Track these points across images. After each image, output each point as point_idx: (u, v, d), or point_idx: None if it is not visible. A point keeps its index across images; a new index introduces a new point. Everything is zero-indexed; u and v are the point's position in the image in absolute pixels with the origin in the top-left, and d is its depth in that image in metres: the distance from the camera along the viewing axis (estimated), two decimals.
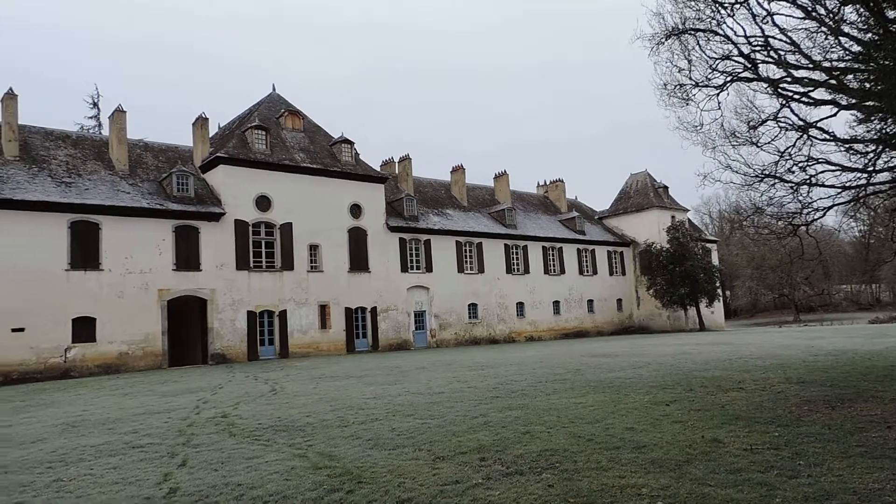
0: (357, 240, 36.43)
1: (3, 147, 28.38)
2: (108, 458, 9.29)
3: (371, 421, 11.09)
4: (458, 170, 46.45)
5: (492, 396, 13.37)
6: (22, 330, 25.46)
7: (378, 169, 41.68)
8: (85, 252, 27.38)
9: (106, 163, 31.06)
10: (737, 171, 14.46)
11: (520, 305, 44.58)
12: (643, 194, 54.54)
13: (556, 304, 46.96)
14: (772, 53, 13.04)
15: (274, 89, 39.58)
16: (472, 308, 41.76)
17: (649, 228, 52.37)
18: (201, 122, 34.25)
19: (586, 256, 49.91)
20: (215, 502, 6.74)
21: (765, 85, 13.57)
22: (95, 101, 54.93)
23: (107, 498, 7.12)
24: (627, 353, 24.23)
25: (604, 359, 21.60)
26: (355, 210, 36.67)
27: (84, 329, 26.90)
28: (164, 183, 31.22)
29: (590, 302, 49.42)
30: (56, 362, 26.08)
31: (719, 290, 52.58)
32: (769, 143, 14.12)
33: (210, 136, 35.53)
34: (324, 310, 34.35)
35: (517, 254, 45.08)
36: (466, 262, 41.97)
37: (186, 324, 31.32)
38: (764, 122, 14.02)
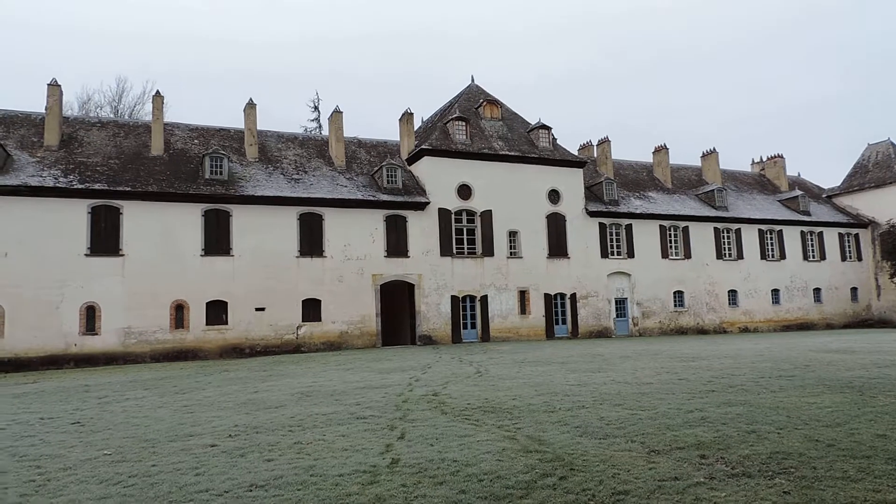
0: (556, 225, 36.22)
1: (246, 150, 32.61)
2: (336, 426, 10.22)
3: (577, 408, 10.94)
4: (660, 150, 44.01)
5: (707, 390, 12.47)
6: (263, 309, 29.20)
7: (576, 153, 41.00)
8: (311, 240, 30.56)
9: (326, 160, 34.28)
10: None
11: (732, 294, 41.19)
12: (885, 167, 47.22)
13: (776, 292, 42.63)
14: None
15: (472, 80, 40.62)
16: (678, 296, 39.46)
17: (893, 206, 45.24)
18: (407, 118, 36.33)
19: (812, 240, 44.58)
20: (434, 476, 7.08)
21: None
22: (316, 104, 60.79)
23: (338, 462, 7.82)
24: (867, 349, 21.20)
25: (838, 355, 19.12)
26: (553, 196, 36.45)
27: (311, 310, 30.12)
28: (376, 176, 33.65)
29: (816, 291, 44.13)
30: (290, 338, 29.52)
31: None
32: None
33: (415, 129, 37.54)
34: (523, 295, 34.72)
35: (729, 238, 41.65)
36: (671, 247, 39.72)
37: (396, 306, 33.56)
38: None
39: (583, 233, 36.95)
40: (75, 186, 27.16)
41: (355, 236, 31.41)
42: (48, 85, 29.42)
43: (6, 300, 25.49)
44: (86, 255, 26.90)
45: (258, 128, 33.70)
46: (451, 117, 35.93)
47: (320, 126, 58.34)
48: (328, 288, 30.57)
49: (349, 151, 35.38)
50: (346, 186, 32.60)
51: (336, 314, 30.53)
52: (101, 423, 11.33)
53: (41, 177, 27.12)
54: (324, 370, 19.44)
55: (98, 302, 26.76)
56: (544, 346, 27.66)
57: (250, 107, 33.13)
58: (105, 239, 27.30)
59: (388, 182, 33.10)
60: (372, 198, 32.11)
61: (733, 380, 13.84)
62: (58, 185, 26.97)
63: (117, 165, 29.13)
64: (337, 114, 34.97)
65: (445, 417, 10.58)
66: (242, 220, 29.49)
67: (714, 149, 45.66)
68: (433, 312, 32.60)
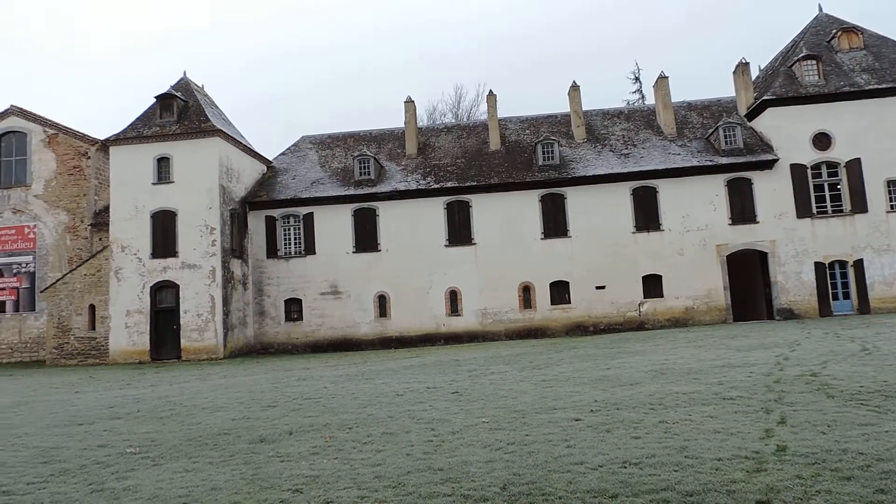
0: None
1: (574, 133, 33.19)
2: (701, 406, 9.64)
3: None
4: None
5: None
6: (603, 288, 29.44)
7: None
8: (646, 215, 29.74)
9: (655, 129, 32.89)
10: None
11: None
12: None
13: None
14: None
15: (820, 10, 34.66)
16: None
17: None
18: (742, 69, 32.70)
19: None
20: (836, 469, 6.12)
21: None
22: (637, 76, 58.82)
23: (713, 445, 7.32)
24: None
25: None
26: None
27: (652, 286, 29.34)
28: (711, 138, 31.12)
29: None
30: (632, 315, 29.20)
31: None
32: None
33: (752, 79, 33.60)
34: None
35: None
36: None
37: (745, 278, 30.60)
38: None
39: None
40: (433, 187, 31.03)
41: (693, 206, 29.54)
42: (405, 102, 34.16)
43: (390, 288, 30.42)
44: (445, 245, 30.54)
45: (583, 108, 33.96)
46: (796, 58, 31.19)
47: (643, 97, 56.33)
48: (668, 262, 29.36)
49: (679, 117, 33.34)
50: (678, 154, 30.84)
51: (679, 289, 29.16)
52: (475, 394, 12.61)
53: (406, 182, 31.64)
54: (673, 347, 18.69)
55: (458, 287, 30.16)
56: None
57: (574, 89, 33.59)
58: (459, 230, 30.63)
59: (725, 143, 30.29)
60: (709, 162, 29.78)
61: None
62: (419, 187, 31.16)
63: (463, 164, 32.36)
64: (662, 80, 33.24)
65: (833, 402, 9.16)
66: (576, 201, 30.12)
67: None
68: (792, 282, 28.85)
